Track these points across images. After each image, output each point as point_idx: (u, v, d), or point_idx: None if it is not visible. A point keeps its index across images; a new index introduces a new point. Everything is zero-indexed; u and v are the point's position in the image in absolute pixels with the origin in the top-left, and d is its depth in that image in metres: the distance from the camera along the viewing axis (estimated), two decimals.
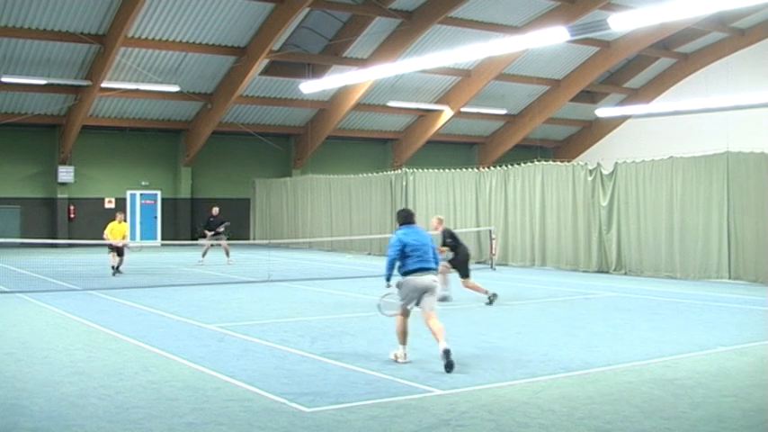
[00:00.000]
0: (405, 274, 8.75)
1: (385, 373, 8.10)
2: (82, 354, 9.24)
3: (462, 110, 34.85)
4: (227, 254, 23.30)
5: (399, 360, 8.65)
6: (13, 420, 6.44)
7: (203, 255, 22.86)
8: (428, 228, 13.58)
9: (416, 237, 8.89)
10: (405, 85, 33.35)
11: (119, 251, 20.04)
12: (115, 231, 20.17)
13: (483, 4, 28.31)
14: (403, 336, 8.73)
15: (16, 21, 24.85)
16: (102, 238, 20.40)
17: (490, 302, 13.73)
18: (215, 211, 23.90)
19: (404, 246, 8.74)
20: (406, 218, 9.17)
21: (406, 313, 8.75)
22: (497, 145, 39.57)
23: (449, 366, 8.08)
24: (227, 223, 23.54)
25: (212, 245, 23.35)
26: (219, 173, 34.78)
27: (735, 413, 6.69)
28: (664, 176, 18.98)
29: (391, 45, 29.68)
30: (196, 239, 31.94)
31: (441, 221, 14.37)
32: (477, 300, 14.15)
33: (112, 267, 20.04)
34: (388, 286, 8.87)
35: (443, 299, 13.19)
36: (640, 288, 16.52)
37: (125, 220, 20.96)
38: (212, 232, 23.30)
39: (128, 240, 21.06)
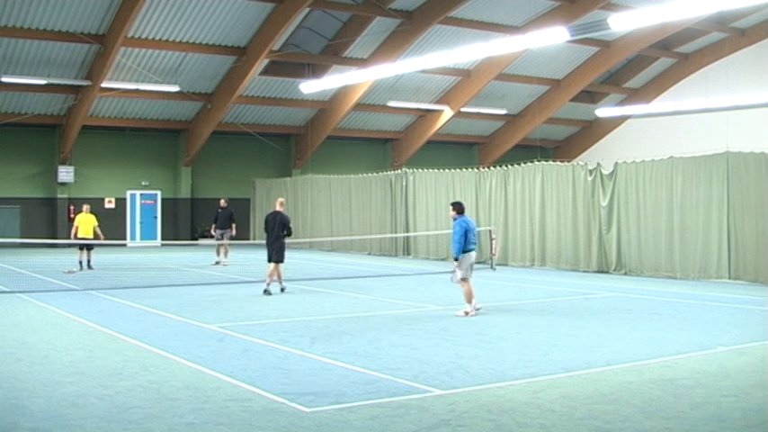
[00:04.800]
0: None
1: (385, 373, 8.10)
2: (82, 354, 9.24)
3: (462, 110, 34.84)
4: (226, 254, 22.77)
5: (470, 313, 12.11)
6: (13, 420, 6.44)
7: (217, 254, 22.59)
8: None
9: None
10: (405, 85, 33.35)
11: (88, 246, 20.01)
12: (87, 223, 20.05)
13: (483, 4, 28.30)
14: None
15: (16, 21, 24.84)
16: (72, 236, 20.14)
17: (265, 293, 15.00)
18: (222, 202, 23.45)
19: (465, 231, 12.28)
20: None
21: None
22: (497, 145, 39.57)
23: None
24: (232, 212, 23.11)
25: (220, 243, 22.94)
26: (219, 173, 34.76)
27: (735, 413, 6.70)
28: (664, 176, 18.97)
29: (391, 45, 29.68)
30: (196, 239, 31.92)
31: (282, 204, 15.94)
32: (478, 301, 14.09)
33: (80, 263, 20.03)
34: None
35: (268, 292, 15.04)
36: (640, 288, 16.52)
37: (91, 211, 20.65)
38: (218, 230, 22.76)
39: (100, 233, 20.39)
